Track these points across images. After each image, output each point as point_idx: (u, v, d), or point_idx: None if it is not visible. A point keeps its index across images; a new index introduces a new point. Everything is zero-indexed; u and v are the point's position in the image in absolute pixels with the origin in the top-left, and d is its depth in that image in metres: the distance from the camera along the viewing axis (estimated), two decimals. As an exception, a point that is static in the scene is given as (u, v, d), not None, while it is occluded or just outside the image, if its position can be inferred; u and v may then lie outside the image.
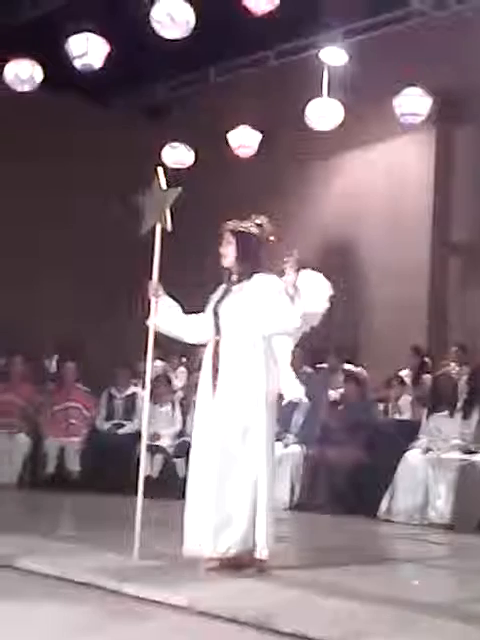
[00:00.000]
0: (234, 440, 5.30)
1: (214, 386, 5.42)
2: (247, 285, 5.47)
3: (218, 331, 5.49)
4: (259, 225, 5.59)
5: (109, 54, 10.49)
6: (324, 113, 11.68)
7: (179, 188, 5.72)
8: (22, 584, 4.93)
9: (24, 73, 11.03)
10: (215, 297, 5.63)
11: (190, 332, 5.72)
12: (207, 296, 5.71)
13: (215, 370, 5.43)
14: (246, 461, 5.29)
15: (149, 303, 5.73)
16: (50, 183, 13.54)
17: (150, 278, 5.74)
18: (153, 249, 5.78)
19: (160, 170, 5.81)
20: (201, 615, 4.29)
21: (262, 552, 5.27)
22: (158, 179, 5.80)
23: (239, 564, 5.28)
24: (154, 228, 5.78)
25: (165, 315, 5.70)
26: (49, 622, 4.19)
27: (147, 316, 5.76)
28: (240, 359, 5.39)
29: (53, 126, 13.39)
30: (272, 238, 5.59)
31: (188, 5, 9.65)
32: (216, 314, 5.53)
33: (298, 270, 5.41)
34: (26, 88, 11.14)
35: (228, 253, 5.58)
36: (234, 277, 5.58)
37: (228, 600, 4.54)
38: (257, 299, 5.38)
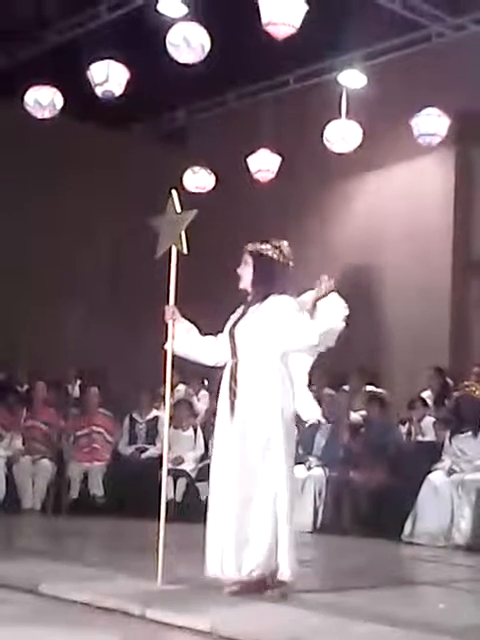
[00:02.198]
0: (253, 461, 5.28)
1: (232, 408, 5.40)
2: (262, 306, 5.45)
3: (235, 353, 5.47)
4: (277, 248, 5.55)
5: (129, 80, 10.57)
6: (343, 135, 11.72)
7: (194, 210, 5.66)
8: (46, 610, 4.91)
9: (44, 99, 11.12)
10: (232, 319, 5.61)
11: (208, 355, 5.70)
12: (228, 320, 5.71)
13: (233, 393, 5.42)
14: (266, 482, 5.26)
15: (166, 327, 5.72)
16: (71, 209, 13.62)
17: (167, 302, 5.74)
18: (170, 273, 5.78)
19: (174, 193, 5.76)
20: (225, 641, 4.24)
21: (284, 573, 5.22)
22: (172, 202, 5.75)
23: (262, 587, 5.23)
24: (170, 251, 5.76)
25: (182, 338, 5.68)
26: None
27: (165, 340, 5.76)
28: (257, 380, 5.37)
29: (73, 153, 13.48)
30: (290, 262, 5.59)
31: (203, 29, 9.72)
32: (232, 336, 5.51)
33: (327, 293, 5.42)
34: (46, 114, 11.23)
35: (245, 274, 5.57)
36: (250, 299, 5.57)
37: (252, 625, 4.48)
38: (273, 319, 5.36)
